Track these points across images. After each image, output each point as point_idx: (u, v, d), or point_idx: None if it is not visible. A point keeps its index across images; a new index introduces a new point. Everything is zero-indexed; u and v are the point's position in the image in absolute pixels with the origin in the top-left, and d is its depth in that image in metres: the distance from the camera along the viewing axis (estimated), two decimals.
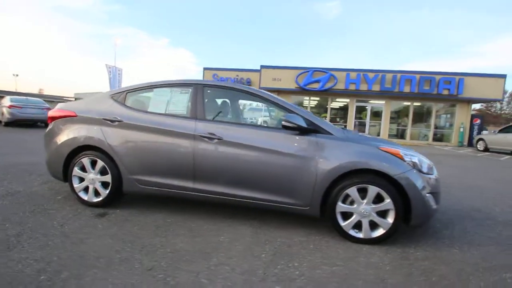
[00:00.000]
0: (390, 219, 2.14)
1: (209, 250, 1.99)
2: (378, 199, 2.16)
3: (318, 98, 18.05)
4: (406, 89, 14.82)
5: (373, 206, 2.16)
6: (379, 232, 2.17)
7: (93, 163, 2.65)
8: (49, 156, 2.81)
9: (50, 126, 2.86)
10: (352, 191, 2.17)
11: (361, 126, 16.99)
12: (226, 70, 19.51)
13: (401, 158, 2.18)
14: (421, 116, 16.80)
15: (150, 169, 2.52)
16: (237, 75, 19.39)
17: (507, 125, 12.50)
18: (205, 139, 2.39)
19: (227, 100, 2.89)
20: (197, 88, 2.59)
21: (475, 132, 15.13)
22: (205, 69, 19.96)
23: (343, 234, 2.23)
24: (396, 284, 1.68)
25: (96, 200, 2.66)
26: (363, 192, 2.17)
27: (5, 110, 10.93)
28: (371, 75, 15.21)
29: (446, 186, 4.13)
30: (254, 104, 5.73)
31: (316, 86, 16.14)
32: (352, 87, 15.63)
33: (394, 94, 15.20)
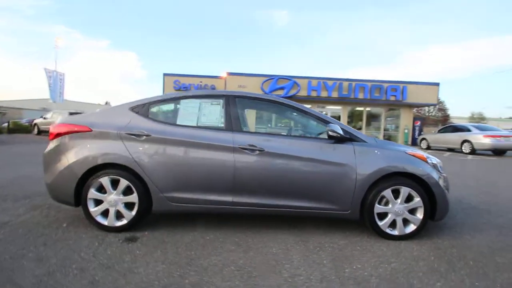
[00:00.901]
0: (420, 215, 2.41)
1: (272, 263, 1.98)
2: (408, 198, 2.42)
3: None
4: (360, 95, 16.41)
5: (405, 205, 2.40)
6: (411, 228, 2.42)
7: (114, 183, 2.39)
8: (53, 178, 2.45)
9: (53, 144, 2.50)
10: (388, 193, 2.39)
11: None
12: (188, 77, 19.03)
13: (425, 161, 2.48)
14: (372, 120, 18.72)
15: (184, 185, 2.39)
16: (201, 82, 19.08)
17: (444, 126, 14.76)
18: (246, 151, 2.37)
19: (261, 111, 2.90)
20: (229, 99, 2.56)
21: (416, 133, 17.42)
22: (165, 75, 19.17)
23: (381, 233, 2.43)
24: (447, 270, 1.91)
25: (119, 224, 2.40)
26: (395, 193, 2.41)
27: None
28: (330, 82, 16.46)
29: None
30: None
31: (281, 93, 16.78)
32: (314, 93, 16.68)
33: (350, 100, 16.67)
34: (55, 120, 4.96)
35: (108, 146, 2.40)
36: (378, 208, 2.40)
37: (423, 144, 13.91)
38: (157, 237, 2.34)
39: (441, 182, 2.44)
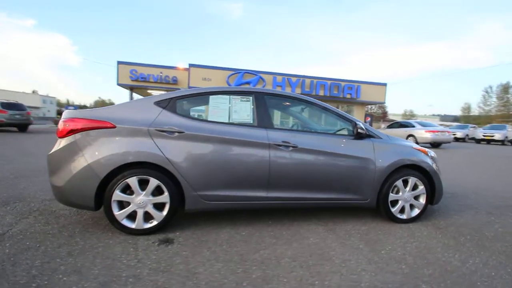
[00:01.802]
0: (423, 201, 2.81)
1: (318, 251, 2.12)
2: (414, 186, 2.80)
3: None
4: (321, 92, 17.46)
5: (412, 192, 2.78)
6: (416, 212, 2.81)
7: (142, 183, 2.24)
8: (67, 180, 2.17)
9: (66, 141, 2.20)
10: (399, 183, 2.72)
11: None
12: (147, 66, 17.72)
13: (426, 154, 2.88)
14: None
15: (218, 182, 2.36)
16: (161, 73, 17.95)
17: (392, 122, 16.67)
18: (280, 147, 2.44)
19: (290, 108, 2.95)
20: (258, 97, 2.58)
21: None
22: (119, 63, 17.55)
23: (393, 218, 2.75)
24: (456, 244, 2.30)
25: (147, 226, 2.26)
26: (404, 183, 2.76)
27: None
28: (294, 79, 17.13)
29: None
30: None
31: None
32: (279, 89, 17.13)
33: (312, 96, 17.57)
34: None
35: (136, 143, 2.22)
36: (392, 196, 2.72)
37: None
38: (192, 237, 2.28)
39: (438, 171, 2.87)
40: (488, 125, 20.26)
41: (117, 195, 2.19)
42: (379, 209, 2.75)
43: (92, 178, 2.15)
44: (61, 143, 2.22)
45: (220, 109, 2.49)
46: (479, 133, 18.10)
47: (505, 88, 47.05)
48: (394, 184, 2.71)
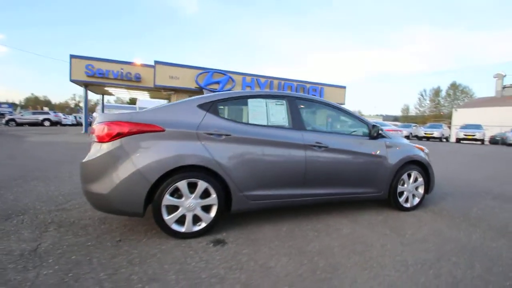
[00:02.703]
0: (421, 191, 3.31)
1: (360, 239, 2.38)
2: (415, 179, 3.27)
3: None
4: None
5: (414, 184, 3.24)
6: (416, 201, 3.29)
7: (190, 186, 2.24)
8: (113, 187, 2.07)
9: (109, 146, 2.09)
10: (405, 176, 3.16)
11: None
12: (106, 61, 16.29)
13: (423, 150, 3.38)
14: None
15: (262, 182, 2.47)
16: (122, 69, 16.69)
17: None
18: (314, 147, 2.66)
19: (317, 111, 3.15)
20: (291, 100, 2.75)
21: None
22: (72, 56, 15.83)
23: (400, 207, 3.18)
24: (456, 225, 2.79)
25: (196, 229, 2.28)
26: (408, 176, 3.21)
27: None
28: (263, 80, 17.52)
29: None
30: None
31: (216, 87, 16.68)
32: (248, 89, 17.36)
33: None
34: None
35: (187, 146, 2.22)
36: (400, 188, 3.15)
37: None
38: (241, 237, 2.36)
39: (431, 165, 3.40)
40: (428, 124, 23.45)
41: (167, 199, 2.17)
42: (389, 200, 3.16)
43: (142, 183, 2.09)
44: (103, 148, 2.11)
45: (259, 112, 2.60)
46: (421, 131, 20.85)
47: (436, 92, 54.62)
48: (401, 177, 3.14)
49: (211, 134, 2.31)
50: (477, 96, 46.31)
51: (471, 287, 1.73)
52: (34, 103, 64.11)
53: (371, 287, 1.70)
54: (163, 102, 32.30)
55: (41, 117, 24.94)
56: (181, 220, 2.24)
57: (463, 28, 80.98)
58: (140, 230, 2.40)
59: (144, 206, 2.15)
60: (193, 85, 16.42)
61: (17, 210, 2.80)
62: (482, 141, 18.65)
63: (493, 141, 19.76)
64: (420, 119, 51.07)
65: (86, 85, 17.20)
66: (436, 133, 19.60)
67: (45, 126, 23.77)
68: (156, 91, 17.94)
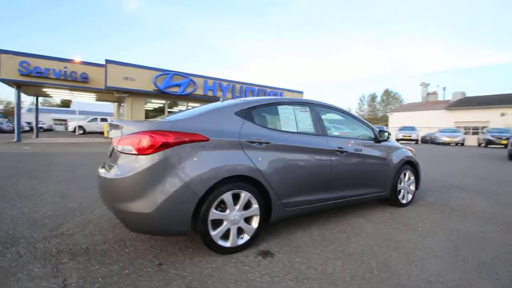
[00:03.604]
0: (413, 187, 3.73)
1: (386, 236, 2.58)
2: (408, 177, 3.68)
3: (164, 102, 17.84)
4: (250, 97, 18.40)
5: (408, 182, 3.65)
6: (409, 197, 3.70)
7: (234, 198, 2.15)
8: (158, 204, 1.86)
9: (154, 159, 1.87)
10: (402, 176, 3.54)
11: None
12: (45, 59, 14.20)
13: (412, 152, 3.83)
14: None
15: (296, 189, 2.50)
16: (65, 67, 14.75)
17: None
18: (337, 152, 2.79)
19: (333, 118, 3.26)
20: (312, 107, 2.85)
21: None
22: (2, 52, 13.42)
23: (399, 204, 3.54)
24: (448, 216, 3.23)
25: (241, 242, 2.19)
26: (403, 175, 3.60)
27: None
28: (225, 83, 17.39)
29: None
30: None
31: (176, 90, 15.98)
32: (210, 93, 17.03)
33: None
34: None
35: (230, 156, 2.12)
36: (399, 186, 3.51)
37: None
38: (284, 246, 2.34)
39: (419, 163, 3.87)
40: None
41: (214, 213, 2.04)
42: (391, 198, 3.49)
43: (190, 198, 1.93)
44: (144, 160, 1.88)
45: (289, 119, 2.63)
46: None
47: (372, 98, 61.51)
48: (399, 177, 3.50)
49: (253, 142, 2.25)
50: (406, 101, 53.71)
51: (496, 266, 2.04)
52: None
53: (427, 278, 1.88)
54: (107, 104, 29.14)
55: None
56: (225, 235, 2.13)
57: (396, 41, 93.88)
58: (173, 250, 2.19)
59: (191, 222, 1.98)
60: (151, 88, 15.42)
61: (1, 241, 2.29)
62: (417, 141, 21.76)
63: (424, 140, 23.19)
64: None
65: (19, 85, 14.74)
66: None
67: None
68: (108, 93, 16.29)
